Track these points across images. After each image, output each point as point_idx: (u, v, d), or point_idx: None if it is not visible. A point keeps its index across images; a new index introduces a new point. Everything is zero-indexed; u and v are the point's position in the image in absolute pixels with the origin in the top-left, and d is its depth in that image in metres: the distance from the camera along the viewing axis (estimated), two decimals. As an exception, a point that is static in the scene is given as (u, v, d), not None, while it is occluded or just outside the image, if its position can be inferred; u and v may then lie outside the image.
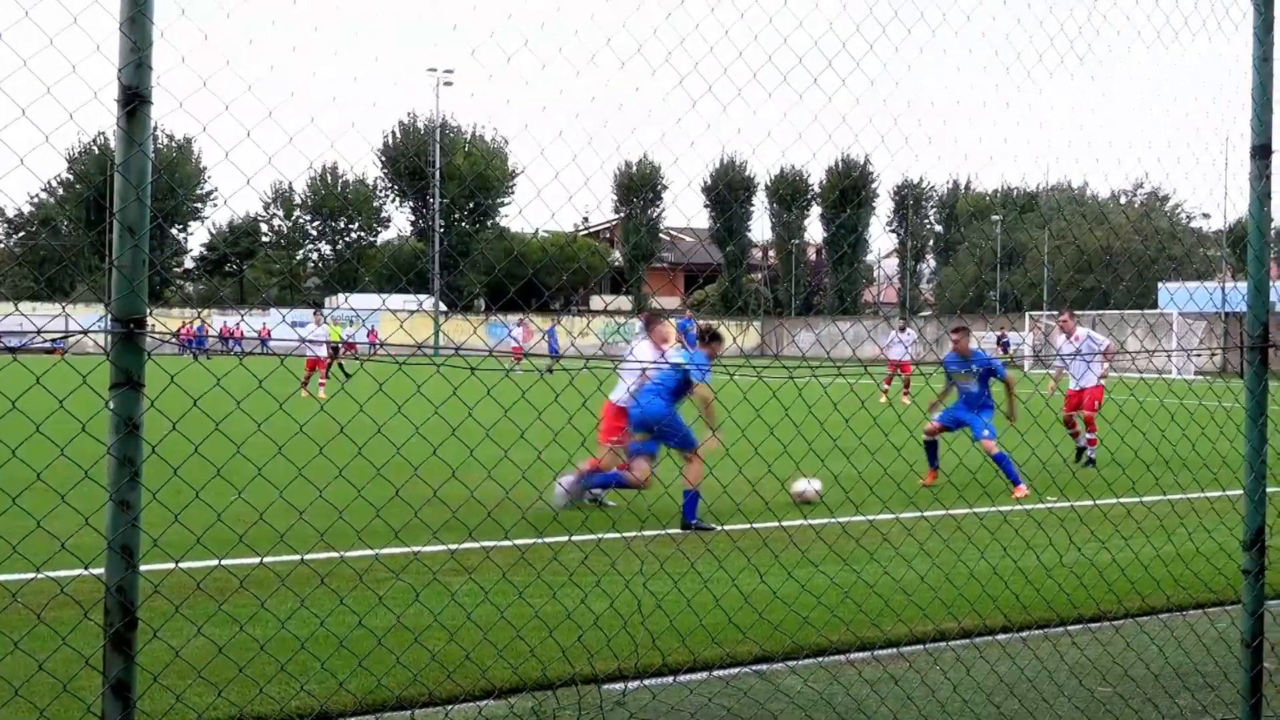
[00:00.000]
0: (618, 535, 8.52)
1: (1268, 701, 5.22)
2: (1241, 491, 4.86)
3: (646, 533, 8.72)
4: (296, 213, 76.92)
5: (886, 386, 26.19)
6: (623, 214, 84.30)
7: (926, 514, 9.48)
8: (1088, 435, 14.21)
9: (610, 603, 6.50)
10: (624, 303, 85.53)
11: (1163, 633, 6.43)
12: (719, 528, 9.30)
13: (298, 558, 6.65)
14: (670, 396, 9.82)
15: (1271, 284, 5.16)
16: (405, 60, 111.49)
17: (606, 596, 6.67)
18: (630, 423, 9.90)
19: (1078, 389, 14.77)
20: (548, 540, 7.52)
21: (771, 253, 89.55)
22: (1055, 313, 59.09)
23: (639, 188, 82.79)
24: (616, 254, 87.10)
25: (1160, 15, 5.16)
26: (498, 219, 78.30)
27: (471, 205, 76.65)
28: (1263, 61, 4.82)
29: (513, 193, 78.78)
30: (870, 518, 9.33)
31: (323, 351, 25.12)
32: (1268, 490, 4.86)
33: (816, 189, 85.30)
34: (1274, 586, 6.87)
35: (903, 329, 27.48)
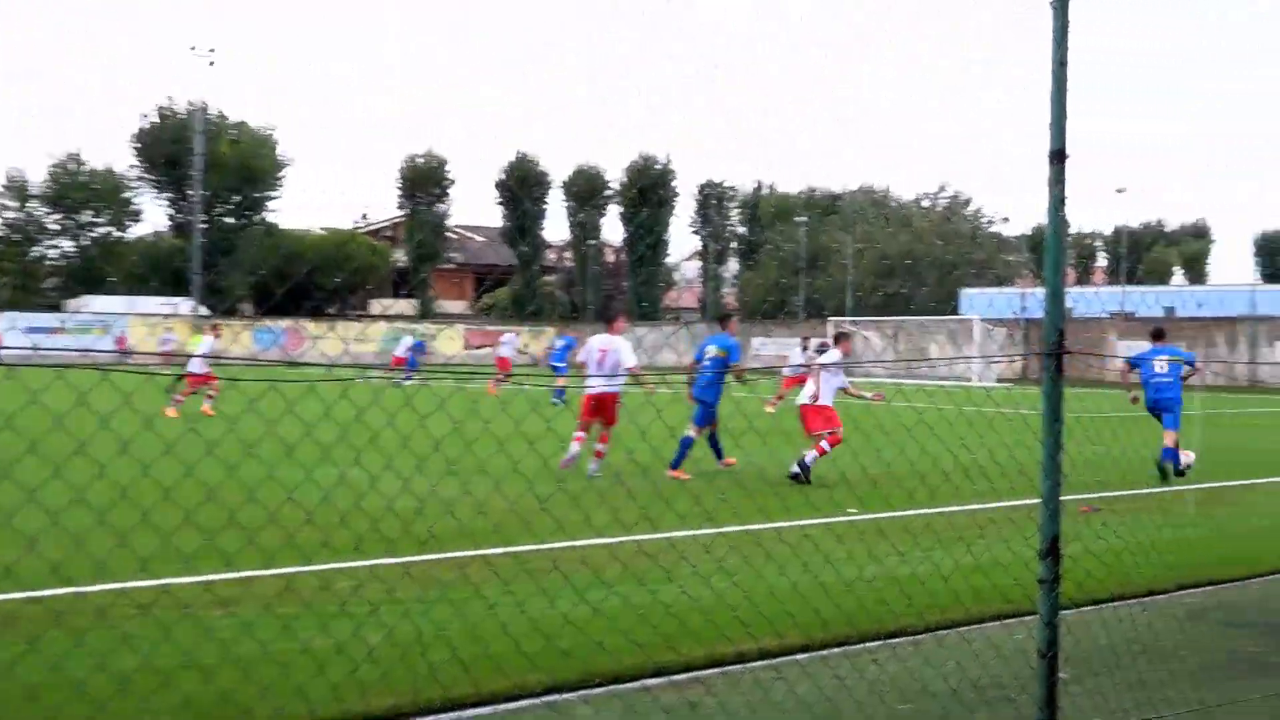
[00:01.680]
0: (395, 560, 8.36)
1: (1063, 712, 5.50)
2: (1038, 500, 5.11)
3: (428, 556, 8.58)
4: (32, 204, 72.82)
5: (777, 402, 26.99)
6: (406, 210, 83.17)
7: (725, 530, 9.65)
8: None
9: (387, 633, 6.37)
10: (406, 306, 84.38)
11: (962, 646, 6.71)
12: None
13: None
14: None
15: (1068, 290, 5.46)
16: (166, 37, 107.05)
17: (383, 626, 6.53)
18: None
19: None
20: (318, 568, 7.31)
21: (567, 253, 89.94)
22: (858, 319, 61.45)
23: (425, 182, 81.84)
24: (399, 254, 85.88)
25: (963, 18, 5.40)
26: (266, 214, 75.98)
27: (237, 198, 74.15)
28: (1060, 65, 5.08)
29: (283, 185, 76.63)
30: (668, 535, 9.44)
31: (194, 367, 24.19)
32: (1063, 498, 5.12)
33: (615, 186, 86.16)
34: (1069, 596, 7.27)
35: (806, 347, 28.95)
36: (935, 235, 76.43)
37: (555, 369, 32.49)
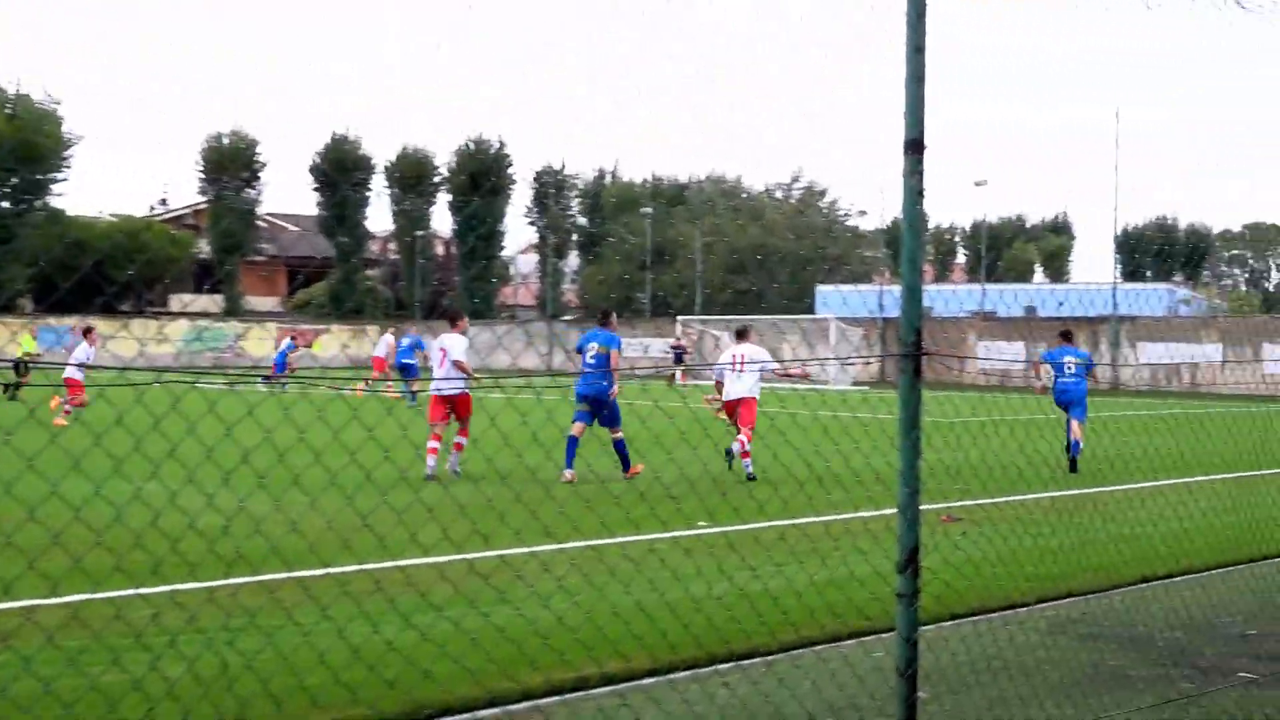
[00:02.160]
0: (198, 585, 8.14)
1: (922, 734, 5.65)
2: (895, 509, 5.24)
3: (235, 580, 8.38)
4: None
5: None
6: (210, 195, 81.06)
7: (565, 546, 9.66)
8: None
9: (188, 665, 6.20)
10: (210, 303, 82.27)
11: (818, 666, 6.84)
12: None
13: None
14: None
15: (926, 288, 5.61)
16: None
17: (183, 659, 6.36)
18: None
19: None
20: (110, 595, 7.08)
21: (391, 245, 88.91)
22: (706, 318, 62.18)
23: (231, 164, 79.91)
24: (203, 244, 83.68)
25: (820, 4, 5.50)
26: (49, 198, 73.19)
27: (14, 180, 71.27)
28: (915, 51, 5.21)
29: (69, 166, 73.90)
30: (502, 552, 9.40)
31: (75, 374, 23.86)
32: (921, 507, 5.26)
33: (444, 172, 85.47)
34: (928, 611, 7.47)
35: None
36: (788, 229, 77.83)
37: (404, 369, 33.43)
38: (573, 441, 15.74)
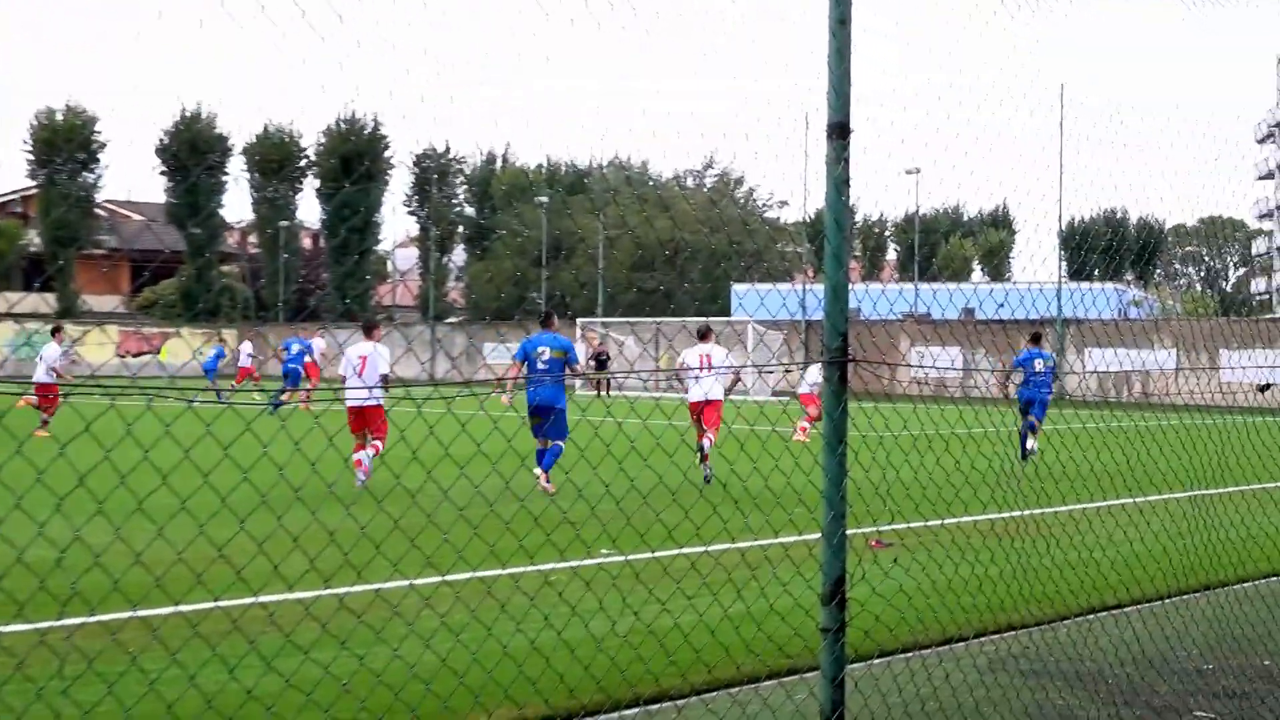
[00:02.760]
0: (26, 626, 7.97)
1: (849, 785, 5.70)
2: (819, 535, 5.28)
3: (70, 620, 8.22)
4: None
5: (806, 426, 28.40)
6: (40, 180, 79.44)
7: (450, 578, 9.59)
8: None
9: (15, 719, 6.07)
10: (40, 302, 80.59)
11: (734, 711, 6.86)
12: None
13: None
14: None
15: (853, 287, 5.65)
16: None
17: (9, 711, 6.22)
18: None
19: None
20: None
21: (251, 238, 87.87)
22: (609, 320, 62.23)
23: (66, 144, 78.41)
24: (32, 235, 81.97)
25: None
26: None
27: None
28: (839, 24, 5.26)
29: None
30: (378, 586, 9.32)
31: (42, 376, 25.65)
32: (849, 531, 5.30)
33: (312, 155, 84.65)
34: (855, 647, 7.53)
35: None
36: (700, 221, 78.26)
37: (288, 374, 36.21)
38: (540, 453, 17.46)
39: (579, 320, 61.59)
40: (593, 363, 52.09)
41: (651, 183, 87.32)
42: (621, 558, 10.93)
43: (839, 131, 5.20)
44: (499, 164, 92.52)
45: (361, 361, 17.91)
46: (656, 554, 10.18)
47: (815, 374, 24.84)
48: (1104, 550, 12.30)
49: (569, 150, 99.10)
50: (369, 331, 18.69)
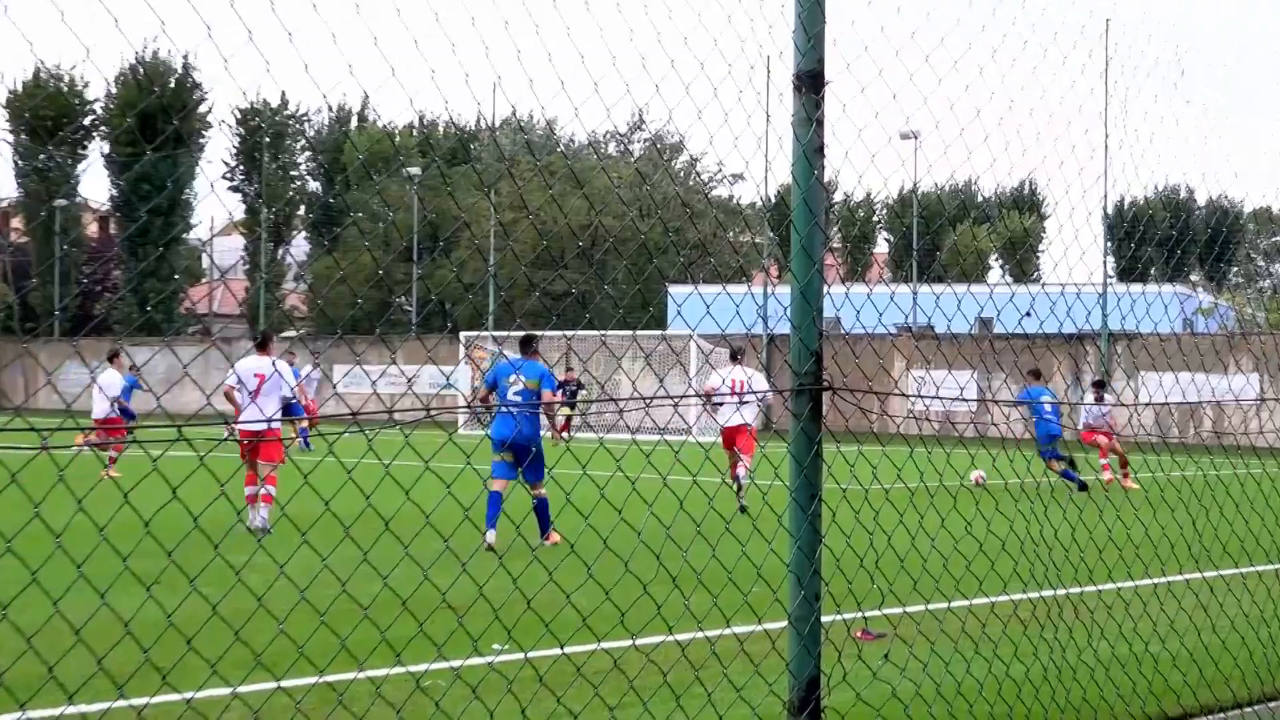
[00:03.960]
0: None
1: None
2: (786, 624, 5.28)
3: None
4: None
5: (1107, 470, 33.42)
6: None
7: (382, 672, 9.53)
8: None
9: None
10: None
11: None
12: None
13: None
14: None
15: (829, 290, 5.58)
16: None
17: None
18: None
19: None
20: None
21: (16, 221, 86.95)
22: (502, 333, 62.09)
23: None
24: None
25: None
26: None
27: None
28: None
29: None
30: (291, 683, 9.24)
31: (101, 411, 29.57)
32: (825, 618, 5.31)
33: (99, 111, 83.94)
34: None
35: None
36: (626, 201, 78.32)
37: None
38: (495, 498, 19.26)
39: (462, 334, 61.45)
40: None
41: (560, 149, 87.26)
42: (519, 655, 10.87)
43: (810, 82, 5.21)
44: (354, 123, 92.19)
45: (258, 380, 20.11)
46: (559, 650, 10.14)
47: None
48: (1164, 643, 12.38)
49: (449, 105, 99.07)
50: (263, 345, 21.26)
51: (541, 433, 21.03)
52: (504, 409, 19.91)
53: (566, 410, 51.32)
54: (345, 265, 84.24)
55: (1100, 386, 37.91)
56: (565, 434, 49.78)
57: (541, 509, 19.36)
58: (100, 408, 29.73)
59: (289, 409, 38.70)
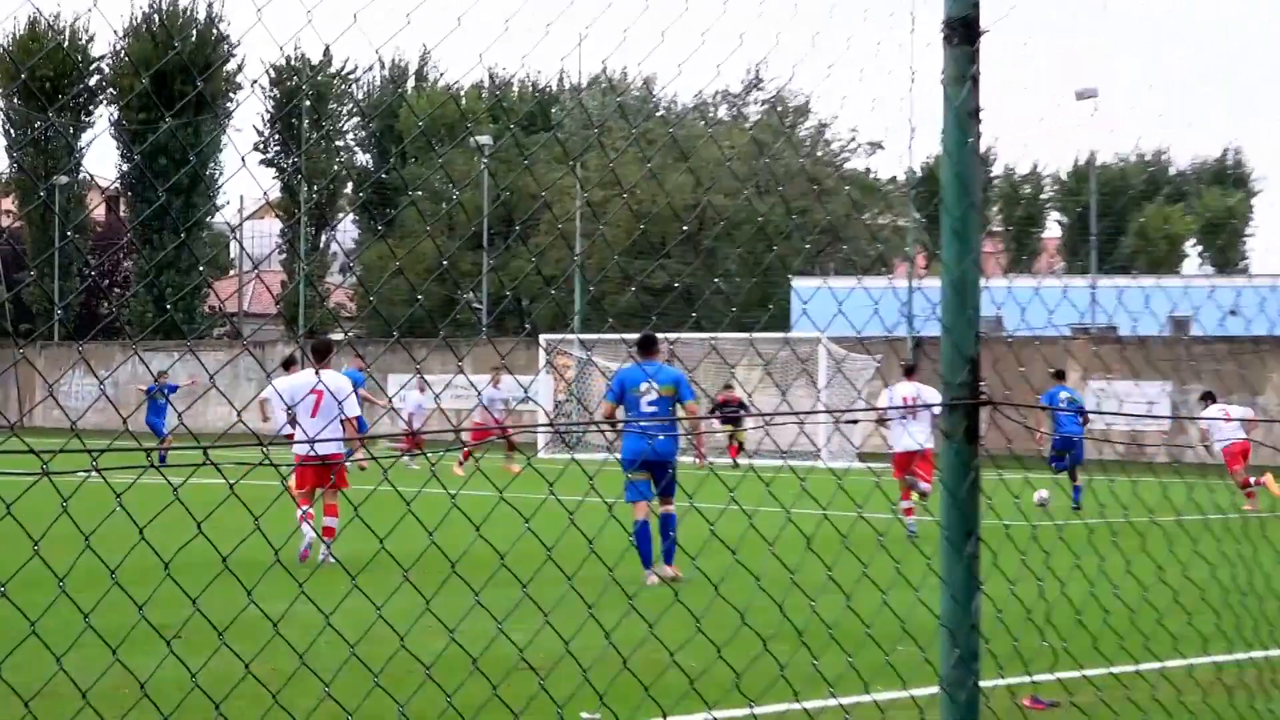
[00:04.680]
0: None
1: None
2: (935, 688, 5.26)
3: None
4: None
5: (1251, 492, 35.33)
6: None
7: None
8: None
9: None
10: None
11: None
12: None
13: None
14: None
15: (990, 284, 5.55)
16: None
17: None
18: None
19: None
20: None
21: (8, 201, 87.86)
22: (592, 336, 62.10)
23: None
24: None
25: None
26: None
27: None
28: None
29: None
30: None
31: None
32: (984, 683, 5.29)
33: (105, 68, 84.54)
34: None
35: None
36: (742, 176, 78.07)
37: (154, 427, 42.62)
38: (645, 531, 19.68)
39: (543, 338, 61.56)
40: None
41: (661, 113, 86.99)
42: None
43: (964, 31, 5.20)
44: (411, 84, 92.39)
45: (316, 399, 20.89)
46: (671, 719, 10.18)
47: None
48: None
49: (526, 62, 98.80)
50: (321, 356, 21.94)
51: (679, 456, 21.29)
52: (633, 421, 20.26)
53: (721, 431, 51.70)
54: (401, 254, 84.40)
55: (1209, 399, 39.40)
56: (735, 459, 50.40)
57: (669, 526, 19.86)
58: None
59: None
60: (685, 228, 76.68)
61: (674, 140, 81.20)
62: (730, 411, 53.64)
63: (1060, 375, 35.85)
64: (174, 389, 43.17)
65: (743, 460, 49.97)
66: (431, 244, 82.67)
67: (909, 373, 26.41)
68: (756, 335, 61.38)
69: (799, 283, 72.71)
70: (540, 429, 51.19)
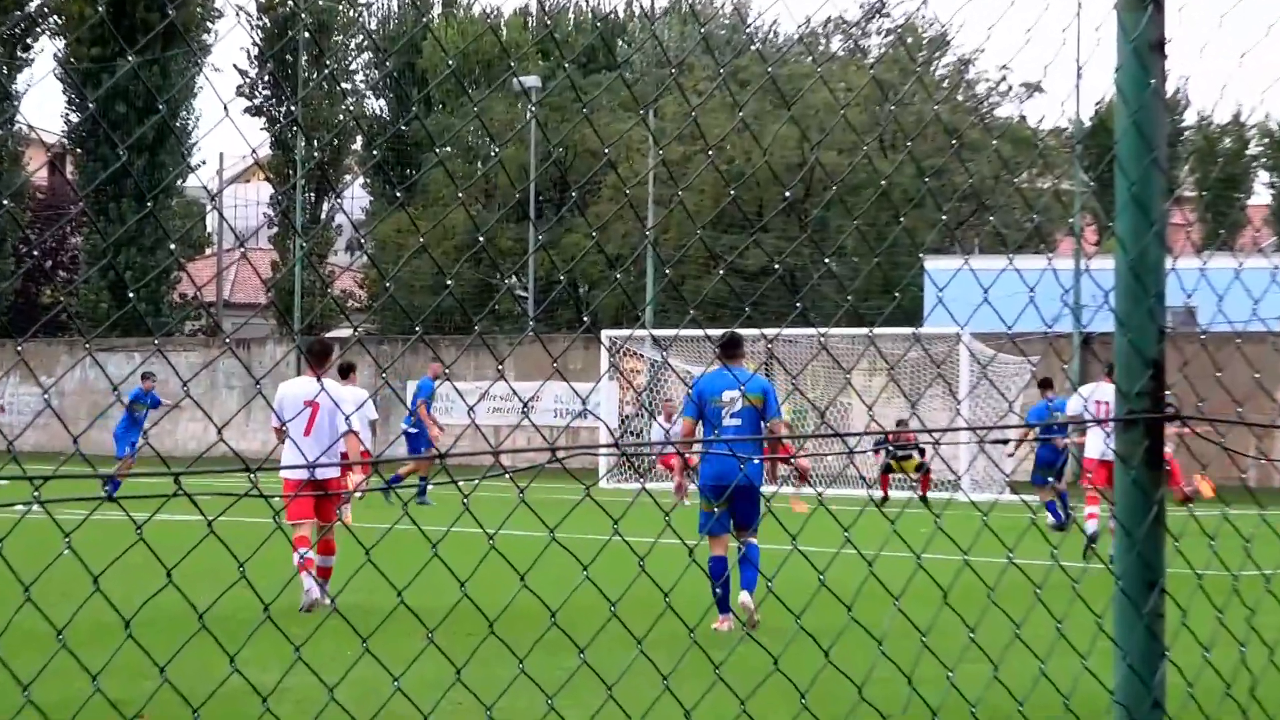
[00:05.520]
0: None
1: None
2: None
3: None
4: None
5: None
6: None
7: None
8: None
9: None
10: None
11: None
12: None
13: None
14: None
15: (1175, 265, 5.53)
16: None
17: None
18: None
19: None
20: None
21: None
22: (670, 333, 62.17)
23: None
24: None
25: None
26: None
27: None
28: None
29: None
30: None
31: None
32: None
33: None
34: None
35: None
36: (859, 127, 77.88)
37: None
38: (720, 566, 20.18)
39: (605, 334, 61.59)
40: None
41: (756, 47, 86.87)
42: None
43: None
44: (437, 10, 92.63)
45: (310, 412, 20.87)
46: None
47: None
48: None
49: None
50: (320, 359, 22.05)
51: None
52: (711, 441, 19.98)
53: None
54: (426, 228, 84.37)
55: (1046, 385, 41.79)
56: (884, 493, 49.85)
57: (751, 560, 20.19)
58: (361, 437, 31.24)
59: (414, 441, 41.06)
60: (787, 194, 76.27)
61: (773, 82, 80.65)
62: (897, 452, 53.19)
63: (1046, 384, 38.63)
64: (156, 403, 42.66)
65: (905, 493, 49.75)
66: (464, 215, 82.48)
67: (1110, 371, 27.13)
68: (879, 331, 61.12)
69: (934, 264, 72.58)
70: (601, 450, 51.16)
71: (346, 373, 21.91)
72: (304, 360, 21.77)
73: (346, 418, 21.15)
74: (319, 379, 21.01)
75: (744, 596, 19.89)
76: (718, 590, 19.59)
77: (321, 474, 20.42)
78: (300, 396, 20.98)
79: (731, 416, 19.86)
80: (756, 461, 19.99)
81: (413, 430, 42.68)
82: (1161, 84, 5.21)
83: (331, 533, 21.23)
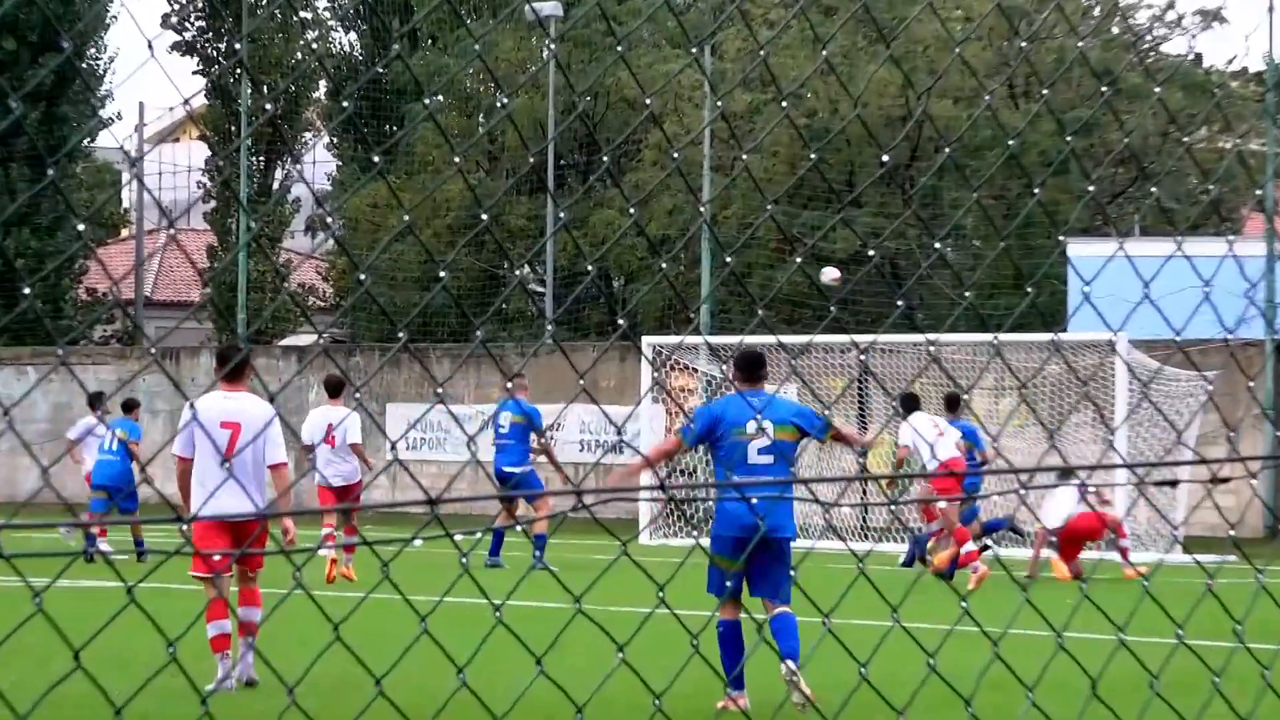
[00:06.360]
0: None
1: None
2: None
3: None
4: None
5: None
6: None
7: None
8: None
9: None
10: None
11: None
12: None
13: None
14: None
15: None
16: None
17: None
18: None
19: None
20: None
21: None
22: (716, 343, 62.20)
23: None
24: None
25: None
26: None
27: None
28: None
29: None
30: None
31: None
32: None
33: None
34: None
35: None
36: (977, 68, 77.67)
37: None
38: (732, 633, 20.22)
39: (646, 340, 61.75)
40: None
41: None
42: None
43: None
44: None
45: (231, 436, 21.76)
46: None
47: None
48: None
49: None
50: (234, 369, 22.86)
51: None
52: (728, 478, 20.05)
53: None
54: (412, 202, 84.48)
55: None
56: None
57: (786, 630, 19.78)
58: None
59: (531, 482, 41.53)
60: (885, 157, 76.21)
61: (867, 9, 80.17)
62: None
63: (953, 403, 41.49)
64: (135, 433, 42.85)
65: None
66: (461, 185, 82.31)
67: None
68: (1005, 337, 61.03)
69: (1078, 249, 72.37)
70: (640, 495, 51.16)
71: (336, 391, 22.08)
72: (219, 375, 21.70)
73: (316, 441, 21.51)
74: (239, 394, 21.31)
75: (788, 666, 19.28)
76: (726, 660, 19.41)
77: (236, 509, 20.67)
78: (218, 416, 21.59)
79: (761, 453, 19.65)
80: (784, 506, 19.79)
81: (523, 469, 42.23)
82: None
83: (255, 582, 21.72)
